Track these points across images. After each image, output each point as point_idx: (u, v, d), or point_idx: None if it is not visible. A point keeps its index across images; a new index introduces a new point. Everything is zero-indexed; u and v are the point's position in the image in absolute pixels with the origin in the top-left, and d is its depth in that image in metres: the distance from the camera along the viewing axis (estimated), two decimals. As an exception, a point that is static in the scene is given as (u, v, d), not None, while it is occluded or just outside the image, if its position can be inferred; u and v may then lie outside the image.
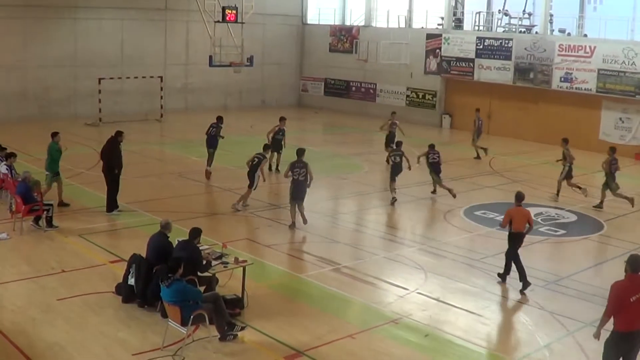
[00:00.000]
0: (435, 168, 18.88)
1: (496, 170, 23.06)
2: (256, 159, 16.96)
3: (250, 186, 16.95)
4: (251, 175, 16.92)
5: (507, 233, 12.73)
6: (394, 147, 19.44)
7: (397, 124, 24.00)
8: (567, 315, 11.39)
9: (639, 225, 17.65)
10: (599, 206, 18.57)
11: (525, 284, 12.38)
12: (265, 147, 17.88)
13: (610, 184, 18.56)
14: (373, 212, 18.19)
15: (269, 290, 12.04)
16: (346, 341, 10.17)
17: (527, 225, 12.63)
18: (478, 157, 25.01)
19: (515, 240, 12.64)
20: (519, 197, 12.81)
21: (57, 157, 16.31)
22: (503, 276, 12.79)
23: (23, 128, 27.28)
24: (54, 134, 16.56)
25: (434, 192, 19.28)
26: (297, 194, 15.61)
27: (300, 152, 15.85)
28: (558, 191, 19.69)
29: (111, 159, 16.03)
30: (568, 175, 19.47)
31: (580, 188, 19.44)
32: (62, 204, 16.32)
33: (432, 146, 19.09)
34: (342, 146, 26.19)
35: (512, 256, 12.60)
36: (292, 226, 15.69)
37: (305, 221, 15.77)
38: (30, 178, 15.24)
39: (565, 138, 20.06)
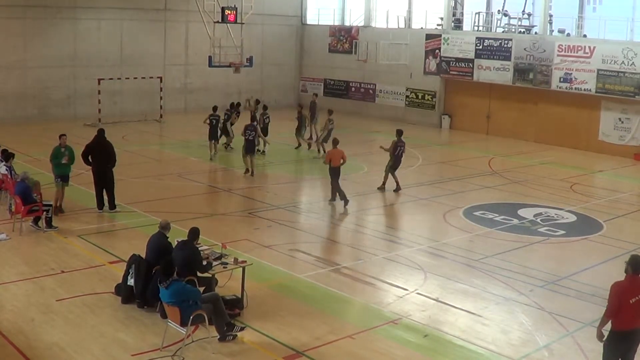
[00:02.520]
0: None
1: (495, 171, 23.07)
2: (214, 120, 23.03)
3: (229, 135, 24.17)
4: (215, 132, 23.15)
5: (329, 169, 17.65)
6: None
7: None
8: (566, 315, 11.39)
9: (638, 225, 17.65)
10: (382, 188, 19.48)
11: (346, 201, 17.59)
12: (215, 108, 23.53)
13: (395, 166, 19.41)
14: (372, 212, 18.19)
15: (269, 291, 12.03)
16: (346, 341, 10.17)
17: (342, 160, 17.67)
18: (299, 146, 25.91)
19: (335, 173, 17.60)
20: (335, 142, 18.13)
21: (57, 160, 15.91)
22: (343, 200, 17.62)
23: (22, 128, 27.29)
24: (60, 136, 16.10)
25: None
26: (249, 149, 20.72)
27: (253, 118, 21.89)
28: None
29: (110, 155, 16.08)
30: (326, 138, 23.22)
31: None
32: (58, 209, 15.82)
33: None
34: (341, 147, 26.13)
35: (335, 185, 17.70)
36: (247, 172, 20.65)
37: (253, 173, 20.52)
38: (29, 178, 15.20)
39: (329, 109, 24.31)
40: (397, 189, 19.36)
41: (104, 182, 16.16)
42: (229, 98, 36.34)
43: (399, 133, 19.45)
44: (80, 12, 30.80)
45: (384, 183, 19.49)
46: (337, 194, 17.83)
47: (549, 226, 16.74)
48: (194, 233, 10.90)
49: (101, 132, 16.46)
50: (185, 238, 11.03)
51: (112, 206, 16.26)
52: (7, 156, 16.73)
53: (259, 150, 23.35)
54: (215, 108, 23.50)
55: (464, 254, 14.47)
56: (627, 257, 8.59)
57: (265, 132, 23.96)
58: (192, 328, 9.67)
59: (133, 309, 10.86)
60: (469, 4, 33.25)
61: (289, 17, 38.28)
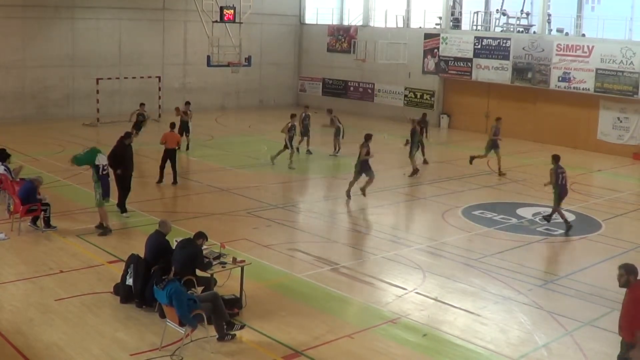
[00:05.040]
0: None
1: (494, 170, 23.05)
2: (141, 116, 24.69)
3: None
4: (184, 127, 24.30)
5: (165, 149, 19.13)
6: None
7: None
8: (565, 314, 11.39)
9: (637, 224, 17.66)
10: (566, 224, 16.40)
11: (176, 182, 19.21)
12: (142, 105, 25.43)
13: (562, 196, 16.56)
14: (371, 212, 18.18)
15: (268, 290, 12.03)
16: (345, 341, 10.17)
17: (178, 145, 19.69)
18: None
19: (172, 154, 19.19)
20: (173, 125, 20.36)
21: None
22: (161, 182, 19.15)
23: (21, 128, 27.27)
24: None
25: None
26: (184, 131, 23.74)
27: (187, 103, 24.82)
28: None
29: (116, 160, 16.01)
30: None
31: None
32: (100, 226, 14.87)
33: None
34: (342, 146, 26.14)
35: (165, 164, 19.11)
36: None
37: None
38: (40, 181, 15.07)
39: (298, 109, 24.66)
40: (568, 227, 16.29)
41: (120, 183, 16.11)
42: (228, 97, 36.52)
43: (556, 159, 16.60)
44: (79, 12, 30.78)
45: (563, 217, 16.51)
46: (164, 175, 19.25)
47: (547, 225, 16.74)
48: (200, 234, 10.93)
49: (124, 134, 16.32)
50: (184, 237, 11.04)
51: (119, 204, 16.16)
52: (4, 157, 16.70)
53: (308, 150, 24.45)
54: (142, 104, 25.37)
55: (462, 254, 14.48)
56: (626, 257, 8.56)
57: (306, 132, 24.53)
58: (191, 328, 9.66)
59: (132, 309, 10.85)
60: (467, 3, 33.28)
61: (287, 16, 38.27)
